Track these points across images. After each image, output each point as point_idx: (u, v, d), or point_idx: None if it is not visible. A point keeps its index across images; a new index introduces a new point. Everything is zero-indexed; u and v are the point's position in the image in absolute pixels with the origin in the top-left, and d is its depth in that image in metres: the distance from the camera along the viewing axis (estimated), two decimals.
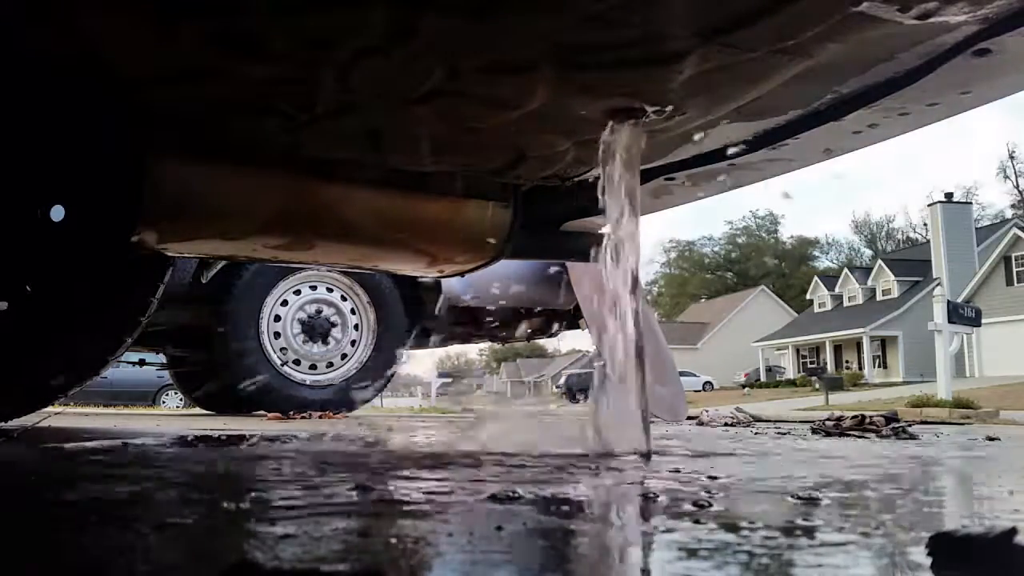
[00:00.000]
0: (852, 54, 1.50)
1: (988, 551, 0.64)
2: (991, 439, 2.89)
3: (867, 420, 3.21)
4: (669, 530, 0.85)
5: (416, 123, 1.76)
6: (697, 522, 0.87)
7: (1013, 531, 0.63)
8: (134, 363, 8.35)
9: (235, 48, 1.49)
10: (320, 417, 4.52)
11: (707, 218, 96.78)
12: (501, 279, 5.11)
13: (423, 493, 1.12)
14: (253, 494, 1.10)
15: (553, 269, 5.08)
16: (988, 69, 1.52)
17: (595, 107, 1.66)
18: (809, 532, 0.84)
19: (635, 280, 1.80)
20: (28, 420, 2.52)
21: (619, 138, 1.71)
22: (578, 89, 1.59)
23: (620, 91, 1.59)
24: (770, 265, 63.02)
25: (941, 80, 1.56)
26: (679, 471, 1.40)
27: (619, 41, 1.43)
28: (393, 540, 0.78)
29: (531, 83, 1.55)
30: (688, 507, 0.98)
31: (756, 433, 3.17)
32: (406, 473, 1.39)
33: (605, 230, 1.82)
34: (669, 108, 1.68)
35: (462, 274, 2.57)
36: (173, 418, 4.96)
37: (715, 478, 1.31)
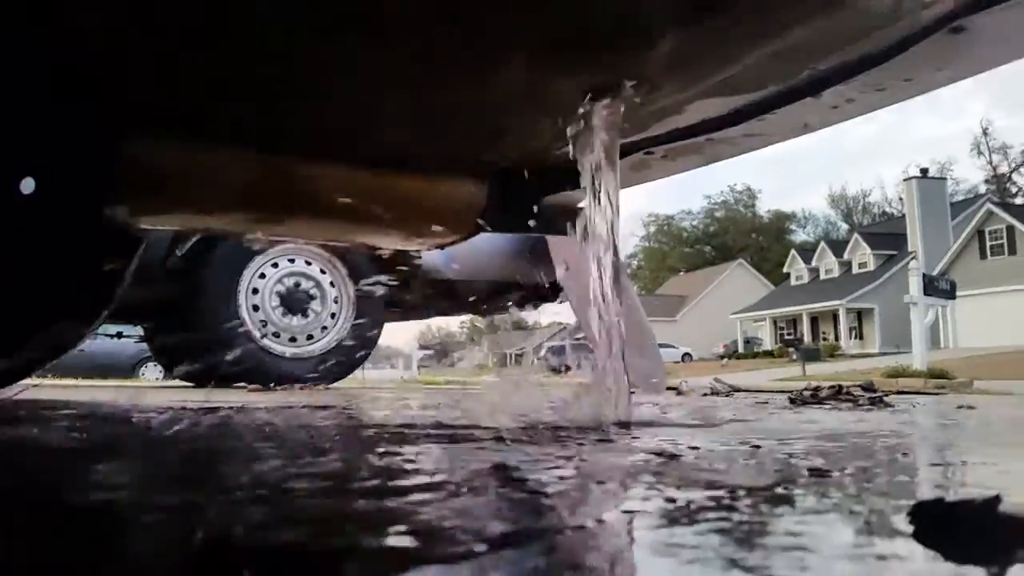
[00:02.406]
0: (830, 31, 1.50)
1: (968, 519, 0.65)
2: (968, 407, 2.94)
3: (844, 390, 3.26)
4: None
5: (392, 99, 1.74)
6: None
7: (996, 499, 0.64)
8: (111, 335, 8.32)
9: (207, 23, 1.47)
10: (300, 389, 4.52)
11: (686, 192, 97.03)
12: (481, 252, 5.11)
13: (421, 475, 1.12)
14: None
15: (532, 242, 5.08)
16: (963, 46, 1.53)
17: (574, 83, 1.66)
18: (789, 500, 0.86)
19: (615, 254, 1.81)
20: (5, 393, 2.50)
21: (598, 113, 1.71)
22: (557, 64, 1.58)
23: (598, 67, 1.58)
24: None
25: (917, 57, 1.57)
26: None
27: (597, 16, 1.43)
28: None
29: (508, 59, 1.54)
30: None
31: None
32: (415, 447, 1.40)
33: (583, 204, 1.82)
34: (647, 84, 1.68)
35: (440, 247, 2.57)
36: (153, 391, 4.93)
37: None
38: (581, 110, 1.70)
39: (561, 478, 1.02)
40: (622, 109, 1.69)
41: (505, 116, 1.85)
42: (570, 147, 1.78)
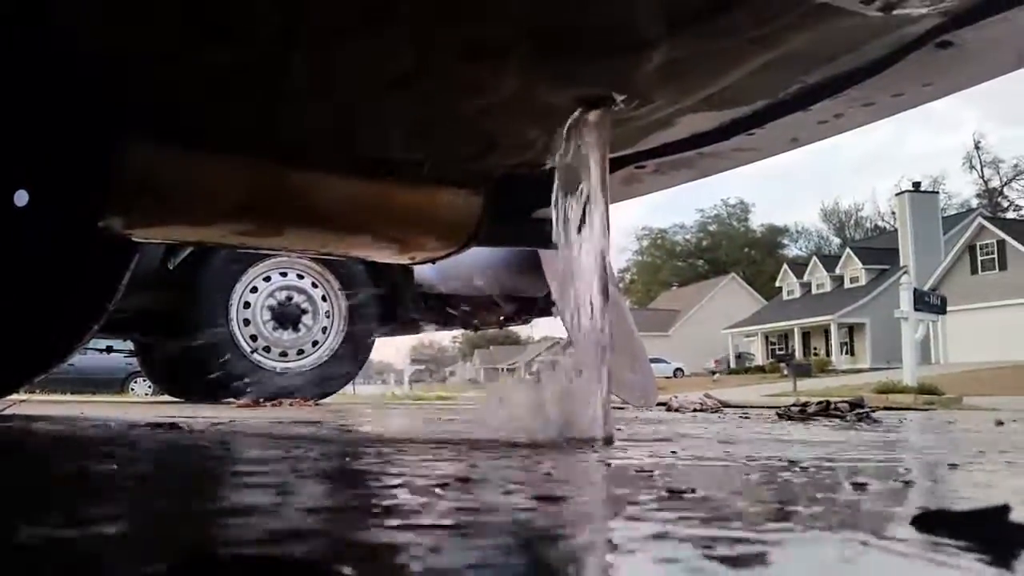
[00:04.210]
0: (818, 45, 1.52)
1: (973, 527, 0.66)
2: (962, 423, 2.96)
3: (831, 406, 3.27)
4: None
5: (386, 109, 1.76)
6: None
7: (1005, 508, 0.66)
8: (102, 350, 8.27)
9: (204, 30, 1.48)
10: (291, 405, 4.50)
11: (679, 205, 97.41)
12: (474, 266, 5.11)
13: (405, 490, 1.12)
14: None
15: (525, 256, 5.08)
16: (950, 61, 1.55)
17: (566, 94, 1.67)
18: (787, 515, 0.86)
19: (606, 267, 1.81)
20: None
21: (589, 126, 1.72)
22: (549, 76, 1.59)
23: (590, 78, 1.60)
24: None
25: (905, 72, 1.59)
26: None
27: (590, 27, 1.44)
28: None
29: (502, 69, 1.55)
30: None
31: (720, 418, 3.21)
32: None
33: (575, 217, 1.83)
34: (638, 96, 1.69)
35: (433, 261, 2.57)
36: (143, 406, 4.91)
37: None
38: (572, 121, 1.71)
39: None
40: (612, 121, 1.70)
41: (497, 126, 1.86)
42: (561, 158, 1.79)
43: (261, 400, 4.56)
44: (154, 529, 0.76)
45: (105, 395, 9.76)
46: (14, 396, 2.53)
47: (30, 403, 3.54)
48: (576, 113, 1.71)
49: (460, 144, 2.01)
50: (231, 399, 4.68)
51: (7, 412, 2.64)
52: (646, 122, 1.87)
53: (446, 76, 1.61)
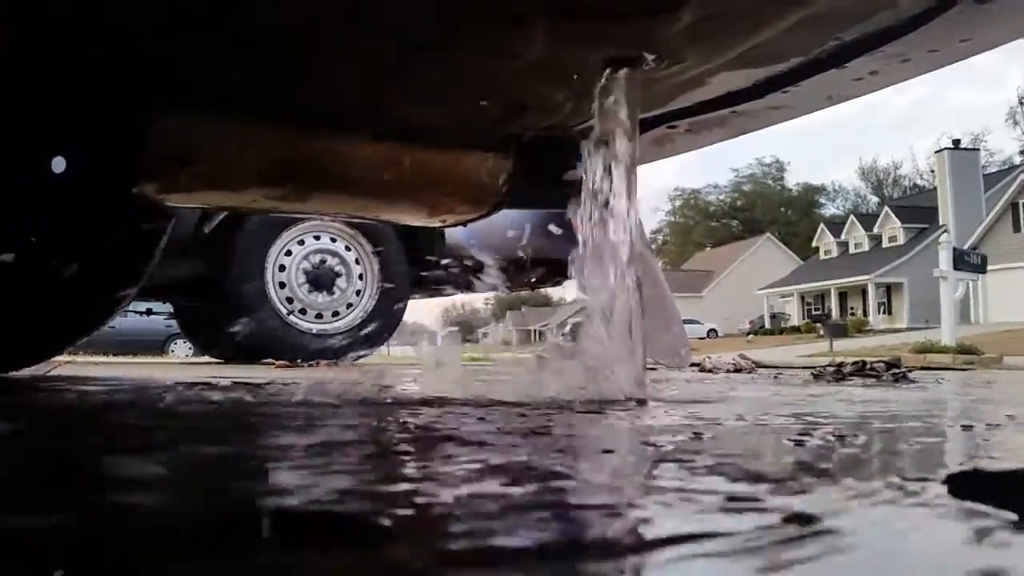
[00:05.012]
0: (854, 0, 1.49)
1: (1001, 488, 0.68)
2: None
3: (867, 366, 3.25)
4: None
5: (414, 72, 1.76)
6: None
7: None
8: (142, 313, 8.45)
9: None
10: (327, 365, 4.58)
11: (713, 165, 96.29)
12: (505, 228, 5.11)
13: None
14: None
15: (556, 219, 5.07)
16: (988, 16, 1.51)
17: (594, 56, 1.66)
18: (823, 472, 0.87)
19: (636, 228, 1.81)
20: (37, 370, 2.56)
21: (619, 86, 1.71)
22: (576, 37, 1.58)
23: (619, 39, 1.58)
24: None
25: (942, 27, 1.55)
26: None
27: None
28: None
29: (529, 31, 1.54)
30: None
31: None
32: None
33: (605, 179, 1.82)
34: (669, 56, 1.67)
35: (464, 223, 2.58)
36: (183, 367, 5.02)
37: None
38: (602, 82, 1.70)
39: None
40: (643, 81, 1.69)
41: (526, 88, 1.86)
42: (591, 119, 1.78)
43: (298, 361, 4.64)
44: None
45: (145, 356, 9.99)
46: (59, 358, 2.60)
47: (74, 364, 3.64)
48: (606, 74, 1.70)
49: (489, 107, 2.00)
50: (269, 360, 4.77)
51: (54, 373, 2.72)
52: (677, 81, 1.85)
53: (474, 39, 1.60)
